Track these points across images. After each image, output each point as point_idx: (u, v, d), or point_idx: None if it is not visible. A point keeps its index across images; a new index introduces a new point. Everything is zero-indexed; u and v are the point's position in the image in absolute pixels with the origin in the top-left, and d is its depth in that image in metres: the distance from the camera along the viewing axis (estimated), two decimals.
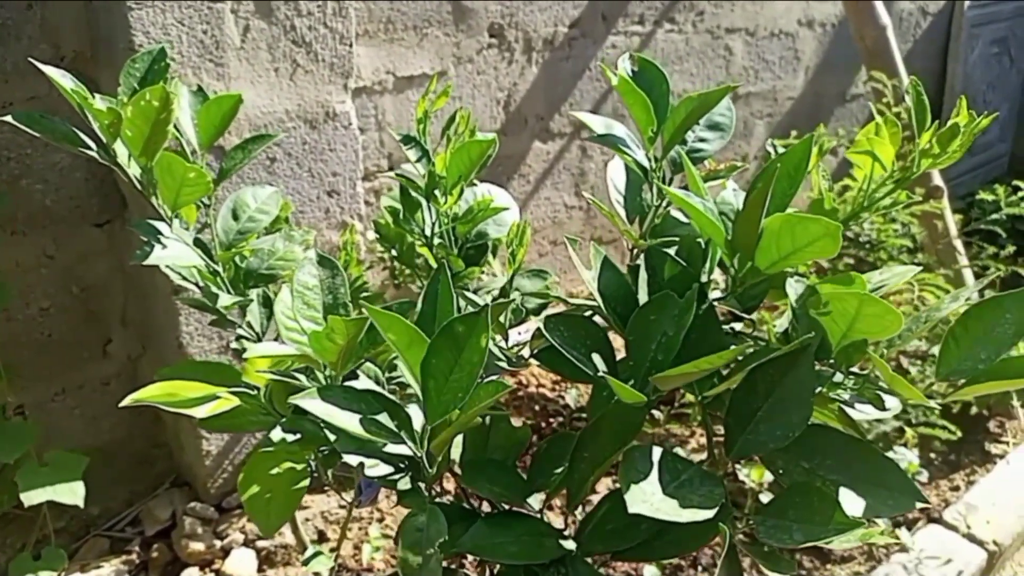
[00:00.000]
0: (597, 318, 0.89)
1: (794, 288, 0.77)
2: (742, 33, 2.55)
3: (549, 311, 0.94)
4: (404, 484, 0.74)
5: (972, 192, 2.89)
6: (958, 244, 2.07)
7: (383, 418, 0.69)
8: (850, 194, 0.95)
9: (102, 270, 1.57)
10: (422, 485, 0.76)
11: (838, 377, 0.79)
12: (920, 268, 0.90)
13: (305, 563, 0.86)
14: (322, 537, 1.65)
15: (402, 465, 0.75)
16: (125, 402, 0.67)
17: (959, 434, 1.94)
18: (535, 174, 2.25)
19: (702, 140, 0.94)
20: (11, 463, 1.41)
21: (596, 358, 0.77)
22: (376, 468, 0.71)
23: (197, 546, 1.56)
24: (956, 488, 1.92)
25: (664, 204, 0.93)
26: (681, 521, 0.69)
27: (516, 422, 2.04)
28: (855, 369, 0.78)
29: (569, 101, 2.22)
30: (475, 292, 0.92)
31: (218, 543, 1.58)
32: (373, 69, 1.79)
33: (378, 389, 0.70)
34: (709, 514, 0.70)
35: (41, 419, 1.54)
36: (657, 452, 0.74)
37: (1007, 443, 2.06)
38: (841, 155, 2.79)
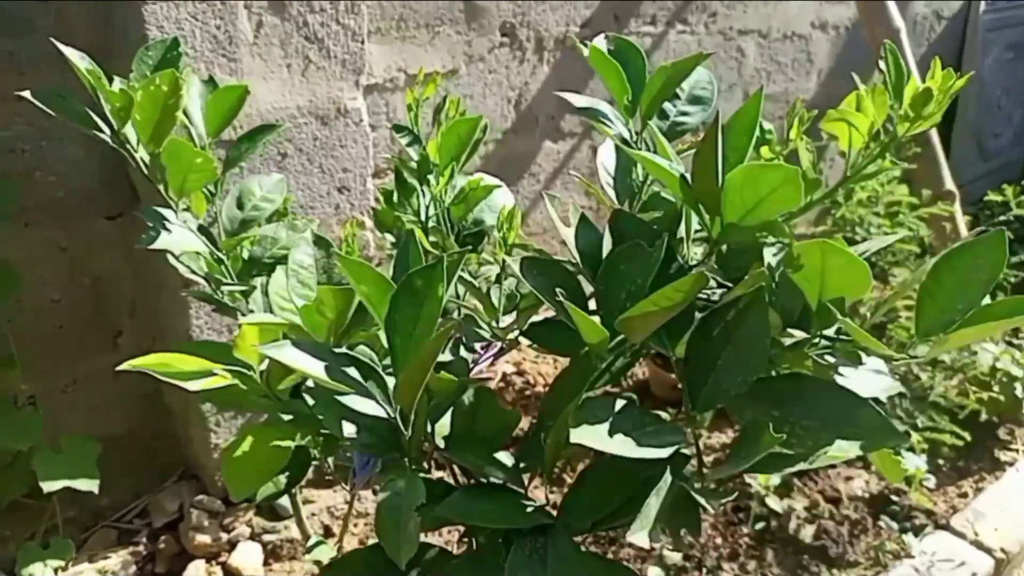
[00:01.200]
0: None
1: (770, 251, 0.77)
2: (755, 35, 2.54)
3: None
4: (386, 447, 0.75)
5: (982, 195, 2.87)
6: None
7: (352, 371, 0.69)
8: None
9: (113, 262, 1.58)
10: (405, 460, 0.77)
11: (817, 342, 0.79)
12: (899, 236, 0.90)
13: (308, 551, 0.87)
14: (328, 532, 1.65)
15: (382, 425, 0.76)
16: (123, 366, 0.68)
17: (968, 438, 1.93)
18: (545, 173, 2.25)
19: (684, 114, 0.96)
20: (24, 451, 1.42)
21: (560, 292, 0.78)
22: (360, 436, 0.72)
23: (204, 539, 1.57)
24: (964, 495, 1.91)
25: (650, 181, 0.94)
26: (626, 456, 0.69)
27: (523, 423, 2.04)
28: (831, 333, 0.78)
29: (560, 96, 2.21)
30: (473, 279, 0.93)
31: (225, 536, 1.59)
32: (385, 67, 1.79)
33: (354, 353, 0.72)
34: (660, 453, 0.70)
35: (51, 409, 1.55)
36: (619, 403, 0.75)
37: (1016, 450, 2.05)
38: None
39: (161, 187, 0.75)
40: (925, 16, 3.07)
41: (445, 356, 0.87)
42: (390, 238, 1.00)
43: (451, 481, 0.93)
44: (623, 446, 0.70)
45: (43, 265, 1.51)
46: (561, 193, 2.30)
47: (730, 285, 0.82)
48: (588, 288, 0.87)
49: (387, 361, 0.72)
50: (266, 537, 1.60)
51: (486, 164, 2.08)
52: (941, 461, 1.97)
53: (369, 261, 1.08)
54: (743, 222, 0.76)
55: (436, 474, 0.89)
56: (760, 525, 1.75)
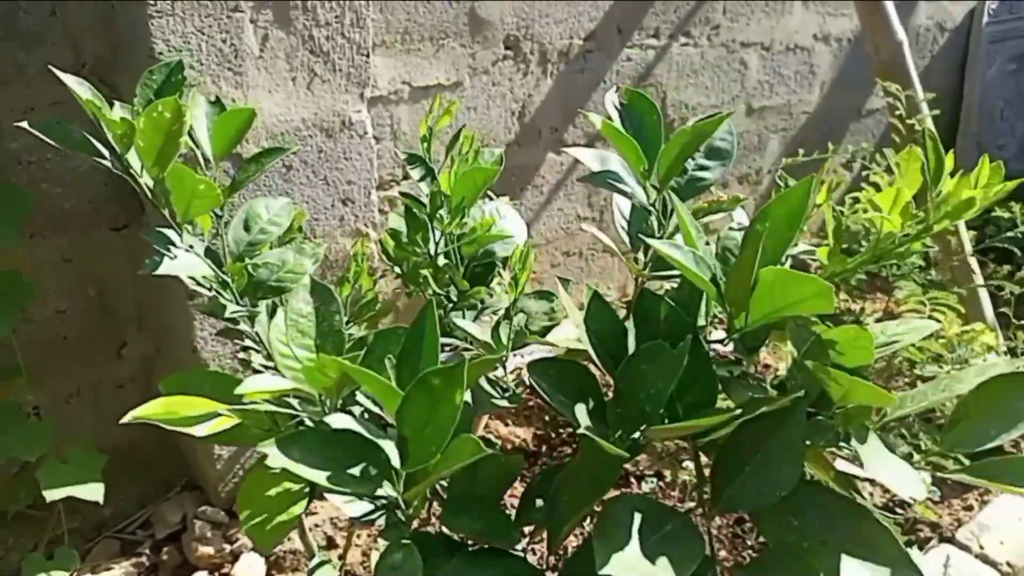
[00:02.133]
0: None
1: (795, 334, 0.76)
2: (757, 47, 2.55)
3: (552, 335, 0.93)
4: (383, 521, 0.73)
5: (988, 210, 2.86)
6: (972, 262, 2.06)
7: (355, 468, 0.66)
8: (862, 216, 0.94)
9: (118, 273, 1.59)
10: (402, 519, 0.75)
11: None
12: (939, 326, 0.89)
13: (310, 573, 0.87)
14: (331, 543, 1.65)
15: (383, 502, 0.74)
16: (125, 419, 0.68)
17: (967, 463, 1.92)
18: (548, 185, 2.26)
19: (702, 168, 0.93)
20: (31, 462, 1.43)
21: (579, 410, 0.75)
22: (354, 505, 0.70)
23: (207, 550, 1.57)
24: (969, 508, 1.90)
25: (666, 233, 0.93)
26: None
27: (526, 433, 2.04)
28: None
29: (584, 110, 2.22)
30: (481, 312, 0.92)
31: (228, 547, 1.59)
32: (389, 79, 1.80)
33: (357, 428, 0.68)
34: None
35: (56, 419, 1.56)
36: (639, 501, 0.73)
37: None
38: (856, 169, 2.78)
39: (166, 212, 0.76)
40: (928, 28, 3.08)
41: None
42: (397, 269, 1.00)
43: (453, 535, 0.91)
44: (649, 570, 0.67)
45: (49, 276, 1.52)
46: (564, 205, 2.31)
47: (745, 358, 0.82)
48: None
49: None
50: None
51: None
52: (946, 475, 1.96)
53: (373, 275, 1.08)
54: (769, 319, 0.75)
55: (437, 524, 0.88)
56: (764, 539, 1.74)
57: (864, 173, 1.77)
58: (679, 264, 0.76)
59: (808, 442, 0.78)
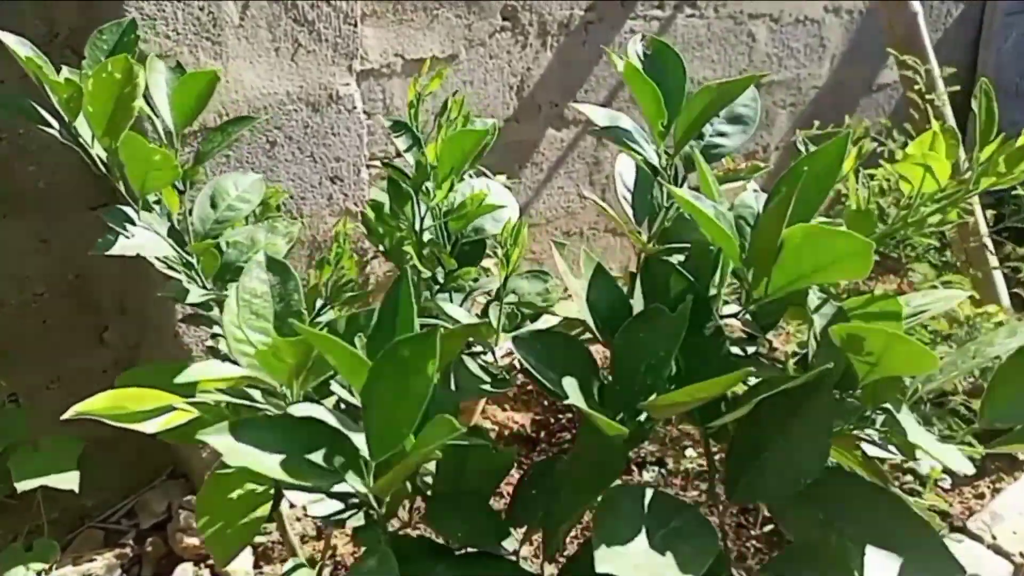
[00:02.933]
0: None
1: (816, 307, 0.68)
2: (766, 19, 2.46)
3: (548, 318, 0.86)
4: (357, 520, 0.66)
5: (1006, 188, 2.77)
6: (988, 243, 1.98)
7: (317, 456, 0.58)
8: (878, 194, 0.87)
9: (98, 255, 1.52)
10: (374, 518, 0.68)
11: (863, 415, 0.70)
12: (969, 295, 0.82)
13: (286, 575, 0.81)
14: (320, 533, 1.60)
15: (354, 500, 0.67)
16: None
17: (983, 452, 1.86)
18: (548, 162, 2.18)
19: (721, 135, 0.85)
20: (3, 451, 1.37)
21: (569, 384, 0.67)
22: (321, 504, 0.63)
23: (192, 540, 1.52)
24: (981, 495, 1.84)
25: (675, 205, 0.85)
26: None
27: (524, 419, 1.98)
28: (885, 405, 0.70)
29: (584, 88, 2.15)
30: (470, 293, 0.85)
31: None
32: (381, 51, 1.72)
33: (323, 416, 0.60)
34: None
35: (35, 407, 1.50)
36: (644, 493, 0.65)
37: None
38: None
39: (121, 185, 0.69)
40: (942, 0, 2.98)
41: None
42: (381, 247, 0.92)
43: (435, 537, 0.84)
44: (656, 568, 0.59)
45: (25, 258, 1.45)
46: (565, 183, 2.23)
47: (759, 335, 0.74)
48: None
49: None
50: (256, 539, 1.54)
51: (488, 153, 2.01)
52: None
53: (363, 257, 1.01)
54: (793, 286, 0.67)
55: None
56: (769, 528, 1.69)
57: (880, 150, 1.69)
58: (699, 214, 0.68)
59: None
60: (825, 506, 0.67)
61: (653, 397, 0.69)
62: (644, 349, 0.69)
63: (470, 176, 0.92)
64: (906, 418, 0.66)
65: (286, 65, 1.37)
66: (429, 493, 0.77)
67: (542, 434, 1.97)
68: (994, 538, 1.69)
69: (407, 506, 0.77)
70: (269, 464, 0.55)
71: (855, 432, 0.71)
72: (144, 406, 0.63)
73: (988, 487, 1.87)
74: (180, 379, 0.60)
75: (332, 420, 0.58)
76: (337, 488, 0.59)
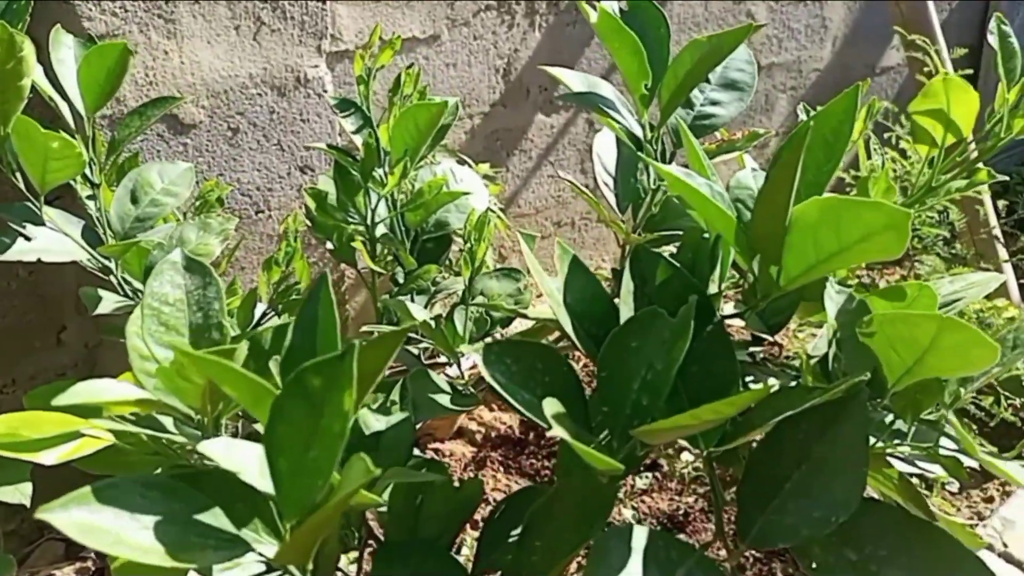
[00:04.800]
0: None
1: (835, 301, 0.58)
2: None
3: (520, 324, 0.76)
4: None
5: (1008, 174, 2.68)
6: (998, 234, 1.89)
7: (211, 516, 0.45)
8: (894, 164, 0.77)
9: None
10: None
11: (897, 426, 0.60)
12: (1003, 278, 0.72)
13: None
14: None
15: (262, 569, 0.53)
16: None
17: (995, 452, 1.77)
18: (537, 149, 2.08)
19: (714, 103, 0.74)
20: None
21: (549, 406, 0.55)
22: (236, 572, 0.52)
23: None
24: (990, 499, 1.76)
25: (663, 188, 0.74)
26: None
27: (512, 419, 1.89)
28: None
29: (575, 70, 2.04)
30: (433, 295, 0.75)
31: None
32: (357, 31, 1.62)
33: (233, 461, 0.46)
34: None
35: None
36: (640, 535, 0.55)
37: None
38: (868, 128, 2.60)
39: (19, 178, 0.59)
40: None
41: (379, 421, 0.63)
42: (330, 245, 0.82)
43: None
44: None
45: None
46: (554, 171, 2.13)
47: (767, 336, 0.64)
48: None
49: None
50: None
51: (472, 140, 1.91)
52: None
53: (305, 258, 0.91)
54: (812, 274, 0.56)
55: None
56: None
57: (887, 136, 1.60)
58: (690, 192, 0.57)
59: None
60: (858, 544, 0.56)
61: (650, 422, 0.58)
62: (637, 362, 0.59)
63: (434, 161, 0.82)
64: (959, 431, 0.56)
65: (248, 45, 1.27)
66: (381, 540, 0.66)
67: (531, 435, 1.88)
68: (1005, 546, 1.61)
69: (355, 557, 0.67)
70: (138, 541, 0.42)
71: (887, 449, 0.61)
72: (42, 432, 0.54)
73: (997, 490, 1.78)
74: (58, 401, 0.51)
75: (249, 464, 0.47)
76: (249, 559, 0.47)
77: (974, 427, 1.77)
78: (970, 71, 1.78)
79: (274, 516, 0.48)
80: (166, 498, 0.45)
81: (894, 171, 1.51)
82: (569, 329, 0.64)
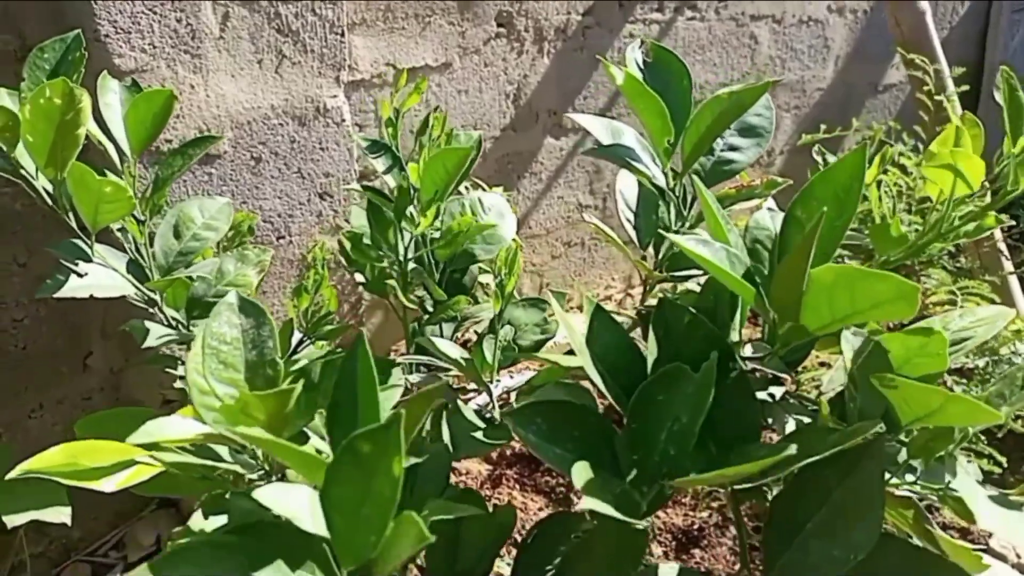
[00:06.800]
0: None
1: (851, 343, 0.61)
2: (768, 20, 2.40)
3: (544, 352, 0.78)
4: None
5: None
6: (1003, 248, 1.92)
7: (273, 569, 0.47)
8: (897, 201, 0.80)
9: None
10: None
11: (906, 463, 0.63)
12: (1012, 313, 0.74)
13: None
14: None
15: None
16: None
17: (1004, 464, 1.79)
18: (547, 172, 2.12)
19: (733, 148, 0.77)
20: None
21: (579, 470, 0.57)
22: None
23: None
24: None
25: (687, 225, 0.77)
26: None
27: None
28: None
29: (583, 94, 2.09)
30: (461, 323, 0.79)
31: None
32: (372, 61, 1.67)
33: (289, 509, 0.49)
34: None
35: (17, 437, 1.44)
36: (670, 574, 0.58)
37: None
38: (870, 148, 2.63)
39: (72, 219, 0.62)
40: None
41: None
42: (360, 277, 0.85)
43: None
44: None
45: (2, 282, 1.39)
46: (564, 192, 2.17)
47: (785, 375, 0.66)
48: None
49: None
50: None
51: (484, 164, 1.95)
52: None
53: (334, 287, 0.95)
54: (826, 329, 0.59)
55: None
56: None
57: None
58: (709, 264, 0.61)
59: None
60: None
61: (679, 474, 0.61)
62: (664, 414, 0.62)
63: (466, 189, 0.85)
64: (965, 482, 0.58)
65: (270, 78, 1.31)
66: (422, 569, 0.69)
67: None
68: (1019, 557, 1.62)
69: None
70: None
71: (898, 484, 0.64)
72: (101, 461, 0.57)
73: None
74: (133, 439, 0.54)
75: (303, 512, 0.50)
76: None
77: (983, 438, 1.78)
78: (966, 87, 1.82)
79: (329, 559, 0.50)
80: (232, 555, 0.48)
81: (897, 186, 1.55)
82: (598, 380, 0.66)
